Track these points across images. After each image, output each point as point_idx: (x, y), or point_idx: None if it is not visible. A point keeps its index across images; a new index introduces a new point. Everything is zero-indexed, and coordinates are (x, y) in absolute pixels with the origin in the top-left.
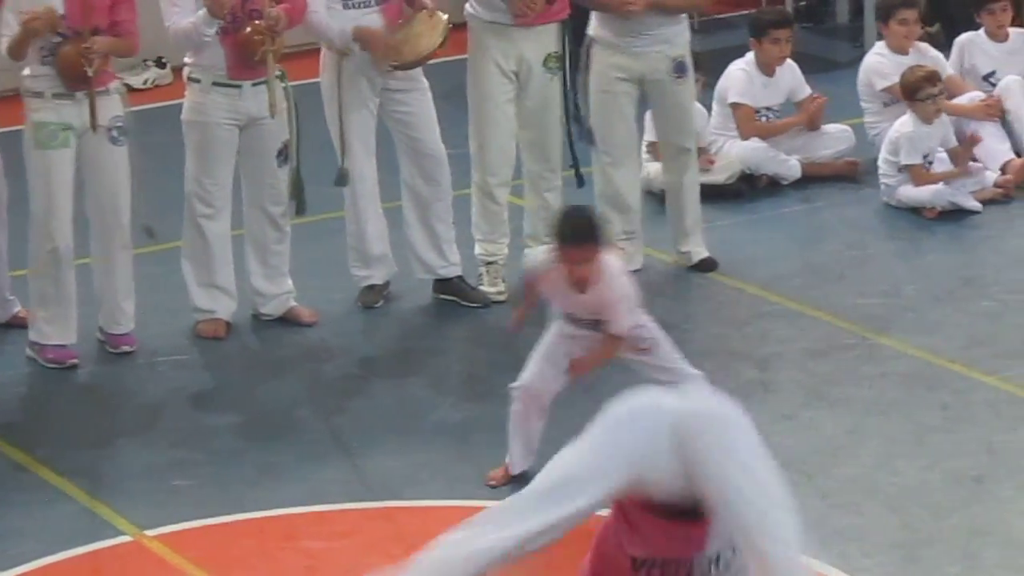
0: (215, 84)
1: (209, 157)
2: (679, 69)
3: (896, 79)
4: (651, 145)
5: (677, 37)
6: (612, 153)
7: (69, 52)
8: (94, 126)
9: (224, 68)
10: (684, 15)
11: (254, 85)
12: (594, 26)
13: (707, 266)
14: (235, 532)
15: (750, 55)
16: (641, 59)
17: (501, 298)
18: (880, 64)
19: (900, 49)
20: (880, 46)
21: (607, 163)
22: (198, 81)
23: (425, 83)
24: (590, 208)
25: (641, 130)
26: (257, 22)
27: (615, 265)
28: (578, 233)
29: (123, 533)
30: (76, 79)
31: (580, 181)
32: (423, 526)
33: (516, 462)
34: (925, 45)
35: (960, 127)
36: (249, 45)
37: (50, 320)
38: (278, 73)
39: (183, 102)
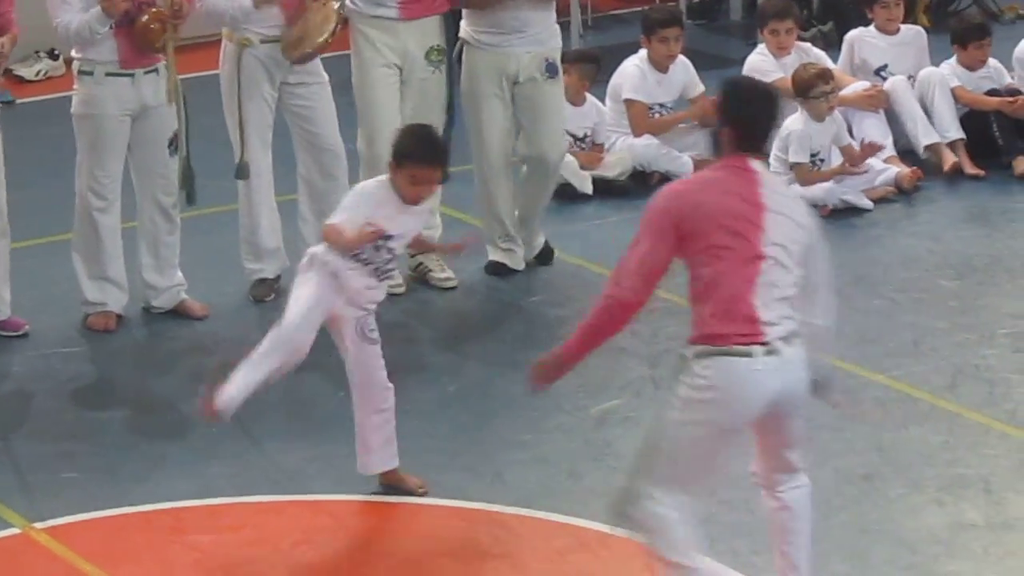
0: (108, 75)
1: (102, 150)
2: (551, 69)
3: (776, 76)
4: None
5: (550, 38)
6: (485, 156)
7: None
8: None
9: (116, 59)
10: (554, 15)
11: (146, 73)
12: (465, 28)
13: (547, 257)
14: (124, 525)
15: (643, 51)
16: (513, 59)
17: (452, 284)
18: (760, 63)
19: (778, 54)
20: (762, 46)
21: (481, 167)
22: (90, 73)
23: (324, 77)
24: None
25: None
26: (155, 9)
27: None
28: (431, 152)
29: (11, 525)
30: None
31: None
32: (313, 520)
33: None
34: (807, 45)
35: (846, 118)
36: (148, 34)
37: None
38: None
39: (72, 95)
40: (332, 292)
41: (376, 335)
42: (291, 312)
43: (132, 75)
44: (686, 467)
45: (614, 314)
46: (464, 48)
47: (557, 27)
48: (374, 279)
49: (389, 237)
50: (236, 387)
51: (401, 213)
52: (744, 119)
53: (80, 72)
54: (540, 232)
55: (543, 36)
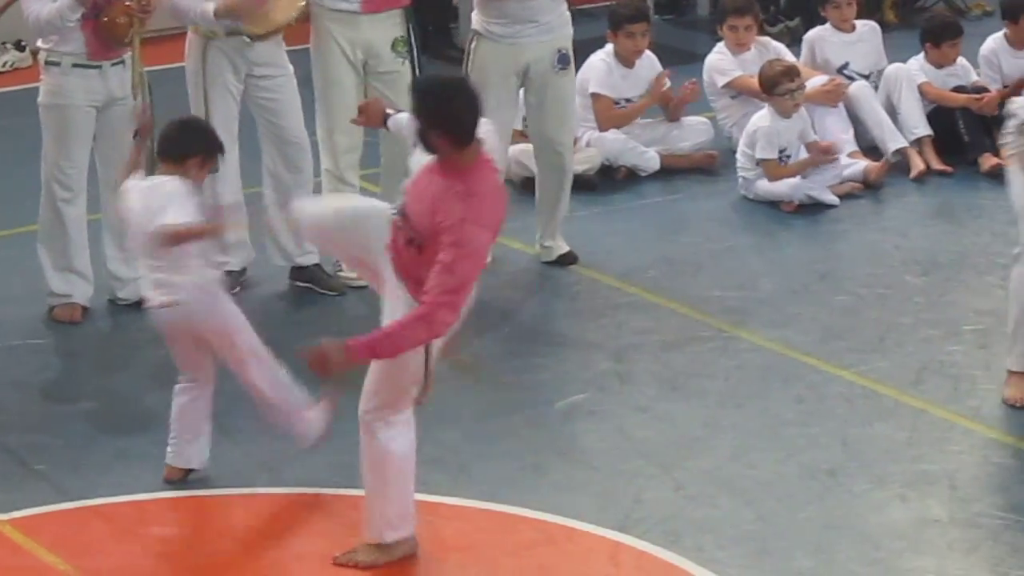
0: (75, 66)
1: (68, 141)
2: (562, 60)
3: (735, 74)
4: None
5: (561, 27)
6: None
7: None
8: None
9: (84, 51)
10: (565, 4)
11: (113, 65)
12: (477, 20)
13: (568, 260)
14: (88, 517)
15: (610, 46)
16: (526, 50)
17: (362, 282)
18: (719, 61)
19: (736, 50)
20: (720, 45)
21: None
22: (57, 64)
23: (290, 69)
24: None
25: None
26: (128, 3)
27: None
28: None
29: None
30: None
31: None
32: (280, 513)
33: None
34: (766, 39)
35: (808, 113)
36: (115, 28)
37: None
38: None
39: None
40: None
41: None
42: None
43: (99, 67)
44: None
45: (436, 330)
46: (475, 39)
47: (568, 15)
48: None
49: None
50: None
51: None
52: (452, 117)
53: (47, 63)
54: (560, 234)
55: (555, 24)
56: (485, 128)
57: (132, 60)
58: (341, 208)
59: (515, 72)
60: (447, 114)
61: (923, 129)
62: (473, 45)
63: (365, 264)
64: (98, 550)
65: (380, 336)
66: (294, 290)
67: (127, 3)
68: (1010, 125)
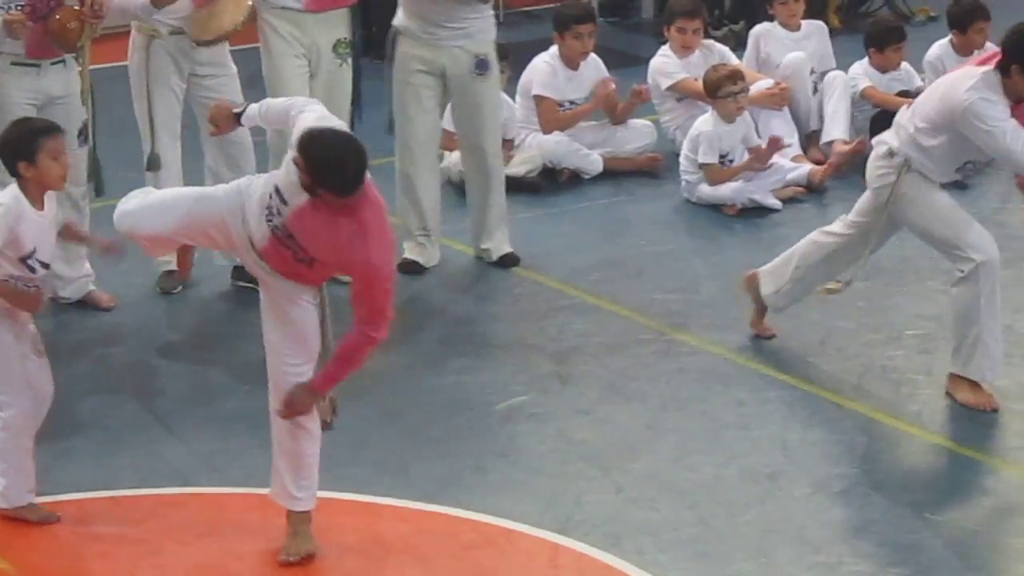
0: (13, 64)
1: None
2: (481, 66)
3: (680, 77)
4: (449, 136)
5: (480, 33)
6: (410, 147)
7: None
8: None
9: (23, 50)
10: (489, 10)
11: (52, 64)
12: (399, 16)
13: (509, 262)
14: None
15: (554, 48)
16: (443, 53)
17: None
18: (664, 64)
19: (682, 53)
20: (665, 47)
21: (405, 158)
22: None
23: (233, 68)
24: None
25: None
26: (77, 8)
27: None
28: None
29: None
30: None
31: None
32: (217, 512)
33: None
34: (710, 42)
35: (752, 117)
36: (67, 34)
37: None
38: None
39: None
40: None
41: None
42: None
43: (38, 66)
44: None
45: (371, 352)
46: (396, 36)
47: (491, 21)
48: None
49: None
50: None
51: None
52: (342, 177)
53: None
54: (501, 236)
55: (472, 31)
56: (318, 110)
57: (83, 66)
58: (177, 195)
59: (433, 72)
60: (336, 174)
61: (840, 134)
62: (396, 42)
63: (218, 241)
64: (39, 550)
65: (334, 369)
66: (235, 289)
67: (76, 8)
68: (882, 151)
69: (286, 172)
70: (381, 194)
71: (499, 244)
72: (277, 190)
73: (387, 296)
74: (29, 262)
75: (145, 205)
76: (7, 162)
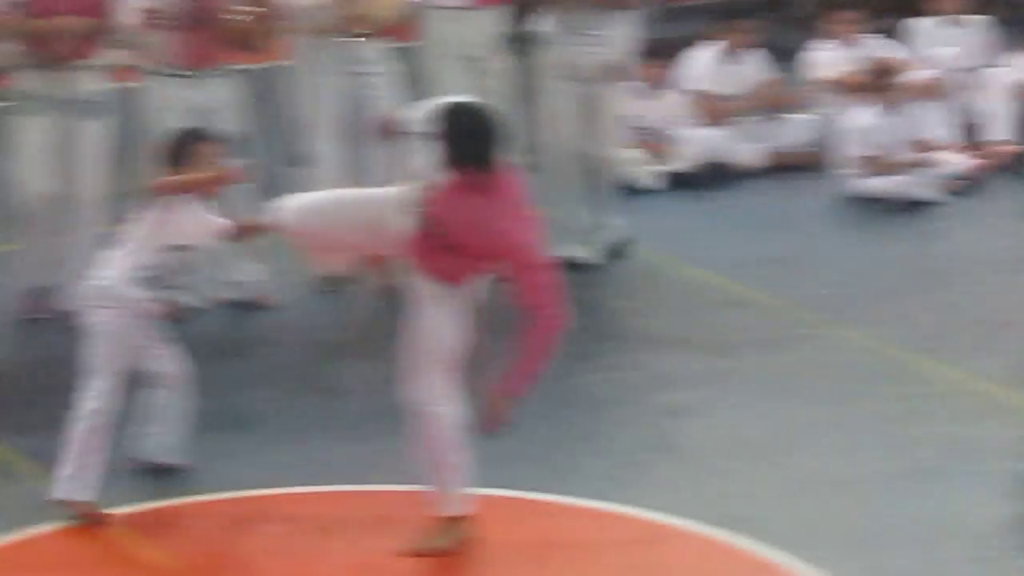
0: (169, 73)
1: None
2: (611, 70)
3: (842, 69)
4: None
5: (615, 39)
6: (558, 147)
7: None
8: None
9: (178, 58)
10: (620, 14)
11: (208, 74)
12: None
13: (619, 252)
14: (195, 513)
15: (716, 42)
16: (578, 58)
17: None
18: (825, 57)
19: (842, 46)
20: (825, 41)
21: (552, 158)
22: None
23: (396, 66)
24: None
25: None
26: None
27: None
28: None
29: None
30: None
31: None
32: (384, 510)
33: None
34: (872, 36)
35: (909, 110)
36: (242, 35)
37: None
38: None
39: None
40: None
41: None
42: None
43: (194, 75)
44: None
45: (554, 340)
46: (533, 43)
47: (625, 26)
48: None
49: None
50: None
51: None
52: (482, 143)
53: None
54: (613, 225)
55: (606, 36)
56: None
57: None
58: (340, 195)
59: (571, 74)
60: (476, 140)
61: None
62: (533, 49)
63: (363, 248)
64: (203, 547)
65: (525, 366)
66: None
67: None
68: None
69: (430, 161)
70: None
71: (614, 231)
72: (423, 179)
73: (542, 277)
74: (175, 255)
75: (307, 203)
76: (167, 166)
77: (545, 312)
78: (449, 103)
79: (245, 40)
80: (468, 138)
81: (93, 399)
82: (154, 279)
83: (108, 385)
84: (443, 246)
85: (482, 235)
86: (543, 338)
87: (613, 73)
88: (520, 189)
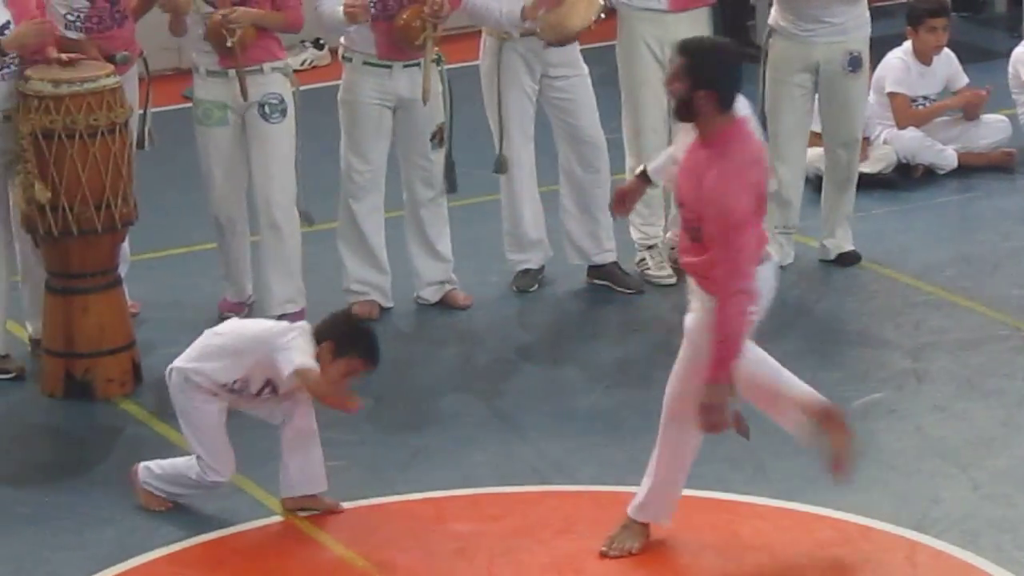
0: (365, 64)
1: (358, 137)
2: (853, 63)
3: None
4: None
5: (856, 29)
6: (778, 144)
7: (214, 22)
8: (244, 100)
9: (374, 49)
10: (864, 6)
11: (405, 67)
12: (774, 15)
13: (849, 260)
14: (385, 514)
15: (907, 44)
16: (817, 49)
17: (671, 281)
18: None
19: None
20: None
21: (772, 154)
22: (350, 60)
23: (585, 69)
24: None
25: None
26: (422, 8)
27: None
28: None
29: (273, 513)
30: (221, 51)
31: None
32: (573, 510)
33: None
34: None
35: None
36: (409, 32)
37: (225, 277)
38: (434, 57)
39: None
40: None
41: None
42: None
43: (390, 67)
44: None
45: (745, 312)
46: (771, 34)
47: (866, 17)
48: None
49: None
50: None
51: None
52: (722, 77)
53: (343, 57)
54: (843, 234)
55: (849, 26)
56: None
57: (424, 64)
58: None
59: (806, 69)
60: (716, 73)
61: None
62: (769, 41)
63: None
64: (395, 546)
65: (717, 348)
66: (590, 287)
67: (420, 7)
68: None
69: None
70: None
71: (840, 242)
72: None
73: (739, 240)
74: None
75: None
76: None
77: (730, 278)
78: (692, 38)
79: (407, 35)
80: (712, 64)
81: None
82: None
83: None
84: (689, 229)
85: (699, 191)
86: (729, 312)
87: (856, 63)
88: (750, 145)
